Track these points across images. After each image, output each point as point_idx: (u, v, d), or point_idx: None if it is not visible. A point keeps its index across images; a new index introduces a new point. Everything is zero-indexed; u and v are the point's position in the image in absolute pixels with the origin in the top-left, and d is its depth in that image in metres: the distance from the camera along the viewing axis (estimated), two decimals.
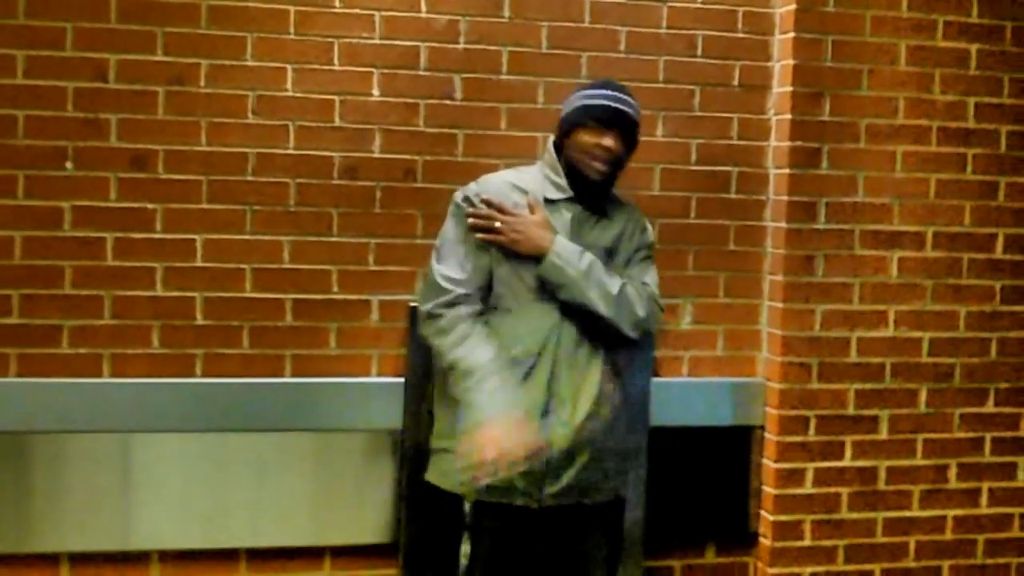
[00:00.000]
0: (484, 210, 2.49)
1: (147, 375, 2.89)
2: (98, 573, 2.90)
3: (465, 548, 2.49)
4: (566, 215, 2.54)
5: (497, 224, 2.48)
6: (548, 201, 2.54)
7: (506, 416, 2.37)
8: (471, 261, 2.50)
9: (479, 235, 2.50)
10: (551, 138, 2.63)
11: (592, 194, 2.55)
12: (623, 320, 2.50)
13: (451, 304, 2.48)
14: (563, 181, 2.55)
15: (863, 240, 3.19)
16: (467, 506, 2.49)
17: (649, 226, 2.72)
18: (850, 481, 3.22)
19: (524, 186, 2.55)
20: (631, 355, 2.73)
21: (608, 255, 2.57)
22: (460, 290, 2.48)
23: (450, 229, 2.55)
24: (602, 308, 2.47)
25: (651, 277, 2.64)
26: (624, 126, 2.52)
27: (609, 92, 2.55)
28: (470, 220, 2.50)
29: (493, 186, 2.55)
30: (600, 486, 2.55)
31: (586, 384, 2.50)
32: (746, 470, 3.25)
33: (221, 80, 2.90)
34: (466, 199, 2.54)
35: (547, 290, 2.48)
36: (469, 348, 2.43)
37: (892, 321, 3.23)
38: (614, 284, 2.50)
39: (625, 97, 2.55)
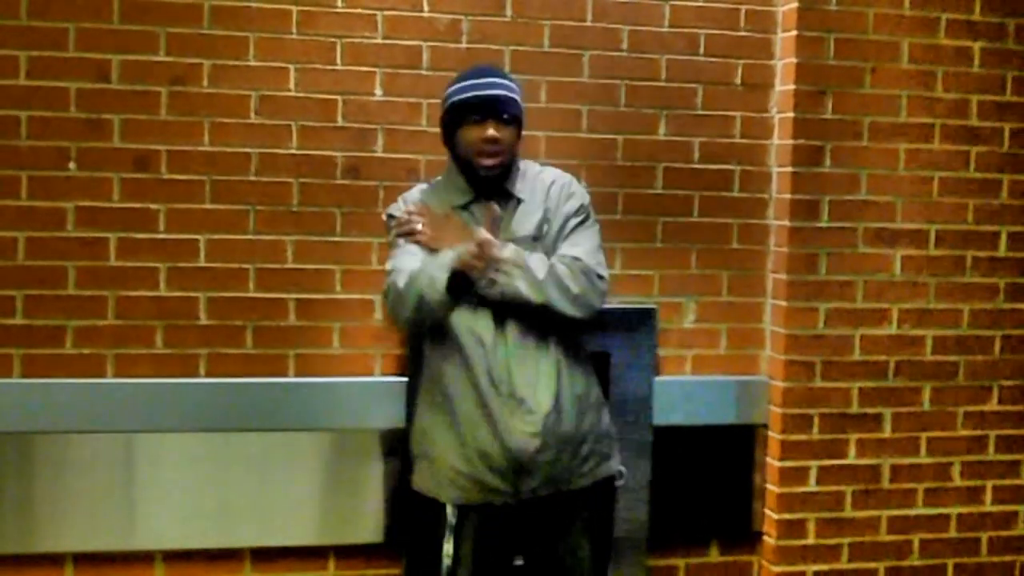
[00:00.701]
0: (406, 216, 2.52)
1: (151, 375, 2.89)
2: (102, 573, 2.90)
3: (447, 548, 2.47)
4: (478, 215, 2.50)
5: (418, 226, 2.50)
6: (459, 207, 2.52)
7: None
8: (419, 254, 2.50)
9: (402, 239, 2.52)
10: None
11: (492, 187, 2.50)
12: (558, 301, 2.42)
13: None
14: (464, 183, 2.53)
15: (866, 238, 3.19)
16: (448, 507, 2.48)
17: (578, 188, 2.62)
18: (854, 479, 3.21)
19: (434, 197, 2.57)
20: (584, 336, 2.64)
21: (535, 240, 2.50)
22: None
23: (391, 245, 2.57)
24: (533, 296, 2.39)
25: (582, 248, 2.50)
26: (500, 110, 2.46)
27: (475, 81, 2.50)
28: (395, 226, 2.55)
29: (411, 200, 2.59)
30: (579, 470, 2.51)
31: (542, 376, 2.46)
32: (750, 469, 3.24)
33: (223, 80, 2.90)
34: (390, 216, 2.60)
35: (478, 294, 2.43)
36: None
37: (895, 319, 3.22)
38: (540, 268, 2.42)
39: (493, 80, 2.51)
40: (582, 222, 2.56)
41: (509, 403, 2.43)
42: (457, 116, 2.49)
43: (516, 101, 2.53)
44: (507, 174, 2.53)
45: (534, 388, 2.45)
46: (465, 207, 2.53)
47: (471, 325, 2.45)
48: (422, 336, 2.59)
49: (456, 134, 2.51)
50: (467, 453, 2.45)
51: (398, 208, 2.59)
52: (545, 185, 2.57)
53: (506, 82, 2.53)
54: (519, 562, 2.57)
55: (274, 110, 2.93)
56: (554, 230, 2.53)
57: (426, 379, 2.58)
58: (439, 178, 2.66)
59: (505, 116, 2.48)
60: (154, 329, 2.90)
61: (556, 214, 2.54)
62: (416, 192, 2.64)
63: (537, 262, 2.43)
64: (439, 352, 2.51)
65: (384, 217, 2.64)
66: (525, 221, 2.52)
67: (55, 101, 2.82)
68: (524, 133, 3.01)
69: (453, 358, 2.47)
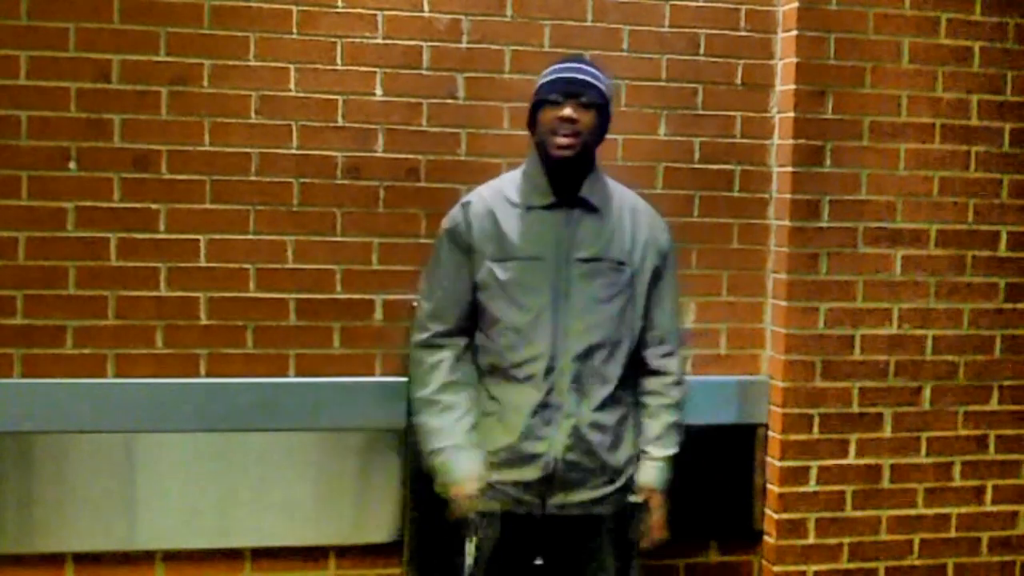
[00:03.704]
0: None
1: (151, 375, 2.89)
2: (102, 573, 2.90)
3: (470, 548, 2.48)
4: (558, 221, 2.48)
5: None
6: (532, 208, 2.48)
7: (461, 480, 2.46)
8: (447, 290, 2.52)
9: (441, 268, 2.55)
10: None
11: (564, 176, 2.46)
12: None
13: (429, 346, 2.53)
14: (546, 184, 2.47)
15: (867, 238, 3.19)
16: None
17: (666, 224, 2.66)
18: (854, 479, 3.22)
19: (511, 197, 2.51)
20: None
21: (621, 265, 2.50)
22: (436, 327, 2.52)
23: (433, 257, 2.58)
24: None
25: (676, 308, 2.67)
26: (581, 94, 2.42)
27: (562, 65, 2.51)
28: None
29: (482, 204, 2.52)
30: (608, 497, 2.53)
31: (594, 395, 2.47)
32: (750, 468, 3.24)
33: (224, 80, 2.90)
34: (447, 230, 2.54)
35: (555, 297, 2.45)
36: (443, 419, 2.48)
37: (896, 319, 3.22)
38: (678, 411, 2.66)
39: (580, 66, 2.49)
40: (672, 269, 2.62)
41: (556, 416, 2.44)
42: (539, 101, 2.46)
43: (599, 89, 2.47)
44: (583, 169, 2.48)
45: (586, 407, 2.46)
46: (545, 208, 2.48)
47: (546, 332, 2.44)
48: None
49: (537, 120, 2.48)
50: (499, 461, 2.46)
51: (456, 218, 2.53)
52: (629, 207, 2.57)
53: (592, 70, 2.49)
54: (539, 561, 2.56)
55: (274, 110, 2.93)
56: (650, 267, 2.55)
57: None
58: (515, 174, 2.59)
59: (584, 100, 2.43)
60: (154, 329, 2.90)
61: (649, 246, 2.56)
62: (486, 190, 2.57)
63: (673, 411, 2.66)
64: (483, 360, 2.51)
65: (442, 229, 2.56)
66: (616, 240, 2.51)
67: (55, 101, 2.82)
68: (526, 133, 2.99)
69: (504, 368, 2.46)
